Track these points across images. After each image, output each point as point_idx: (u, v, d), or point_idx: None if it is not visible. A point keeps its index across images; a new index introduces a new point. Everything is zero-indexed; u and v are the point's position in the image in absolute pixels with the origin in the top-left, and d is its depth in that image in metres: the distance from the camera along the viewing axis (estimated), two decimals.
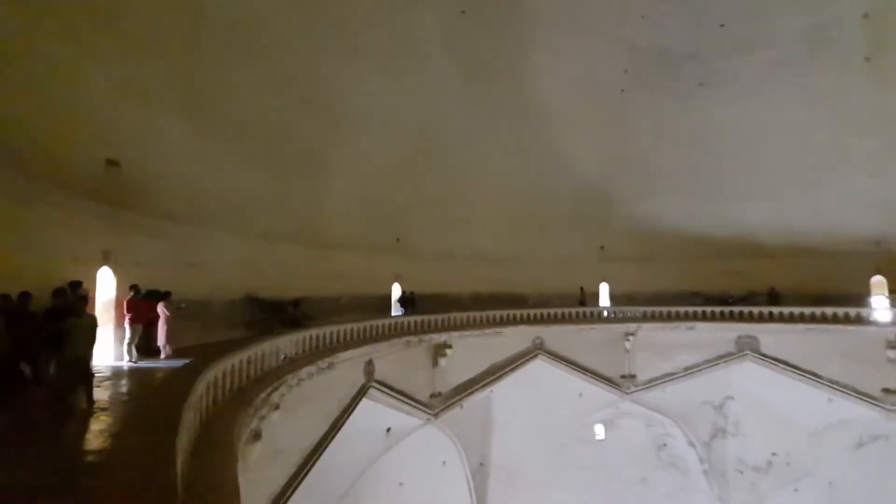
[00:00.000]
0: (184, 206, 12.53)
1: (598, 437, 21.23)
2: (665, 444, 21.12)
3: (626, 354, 19.80)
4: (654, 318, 20.28)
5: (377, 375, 14.13)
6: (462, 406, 17.81)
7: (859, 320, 18.54)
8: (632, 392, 19.71)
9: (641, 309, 20.69)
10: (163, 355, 9.72)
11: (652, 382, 19.76)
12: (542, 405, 19.78)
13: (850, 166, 20.41)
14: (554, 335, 19.54)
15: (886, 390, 17.75)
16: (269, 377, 9.11)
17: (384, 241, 20.49)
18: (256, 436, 7.56)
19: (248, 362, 8.68)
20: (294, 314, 14.53)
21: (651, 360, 19.81)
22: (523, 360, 19.02)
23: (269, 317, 14.06)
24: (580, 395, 19.87)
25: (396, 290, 20.89)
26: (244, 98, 14.45)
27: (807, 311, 19.18)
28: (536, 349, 19.25)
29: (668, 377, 19.74)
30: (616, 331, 19.88)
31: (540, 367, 19.11)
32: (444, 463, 18.27)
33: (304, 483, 10.67)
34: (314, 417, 11.47)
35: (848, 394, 18.16)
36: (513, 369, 18.81)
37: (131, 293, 9.38)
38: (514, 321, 19.61)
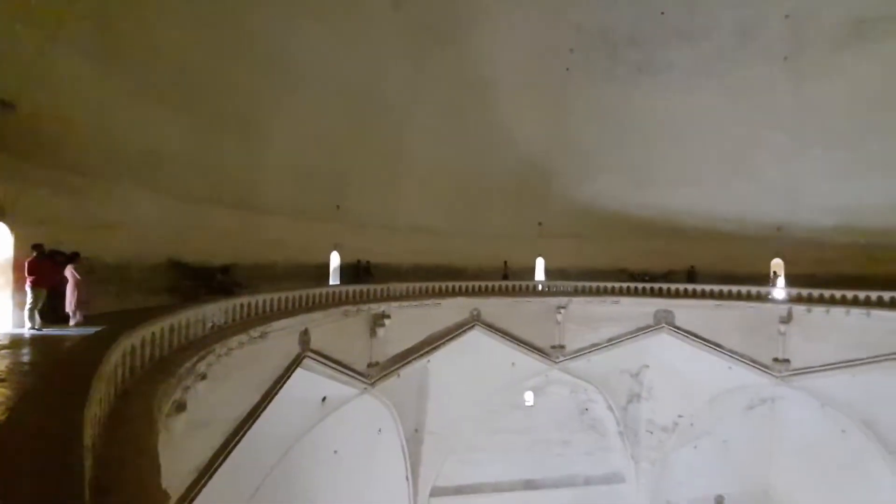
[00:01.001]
0: (95, 159, 11.33)
1: (527, 404, 22.39)
2: (587, 409, 22.71)
3: (557, 326, 20.83)
4: (584, 292, 21.40)
5: (313, 345, 13.87)
6: (399, 375, 18.02)
7: (759, 298, 20.62)
8: (560, 361, 20.86)
9: (573, 284, 21.74)
10: (72, 322, 8.87)
11: (579, 352, 20.99)
12: (476, 374, 20.46)
13: (762, 157, 22.23)
14: (490, 307, 20.10)
15: (776, 360, 20.08)
16: (195, 346, 8.64)
17: (323, 208, 19.81)
18: (181, 407, 7.21)
19: (172, 331, 8.17)
20: (224, 281, 13.82)
21: (579, 332, 20.99)
22: (460, 330, 19.46)
23: (195, 283, 13.26)
24: (513, 364, 20.75)
25: (335, 259, 20.42)
26: (167, 43, 13.07)
27: (716, 288, 21.04)
28: (473, 320, 19.73)
29: (594, 348, 21.06)
30: (549, 304, 20.79)
31: (476, 338, 19.66)
32: (379, 430, 18.51)
33: (233, 454, 10.40)
34: (244, 387, 11.11)
35: (745, 363, 20.35)
36: (450, 339, 19.20)
37: (34, 254, 8.42)
38: (452, 293, 19.91)
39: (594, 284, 21.60)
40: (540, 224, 24.64)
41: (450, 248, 23.23)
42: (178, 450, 7.99)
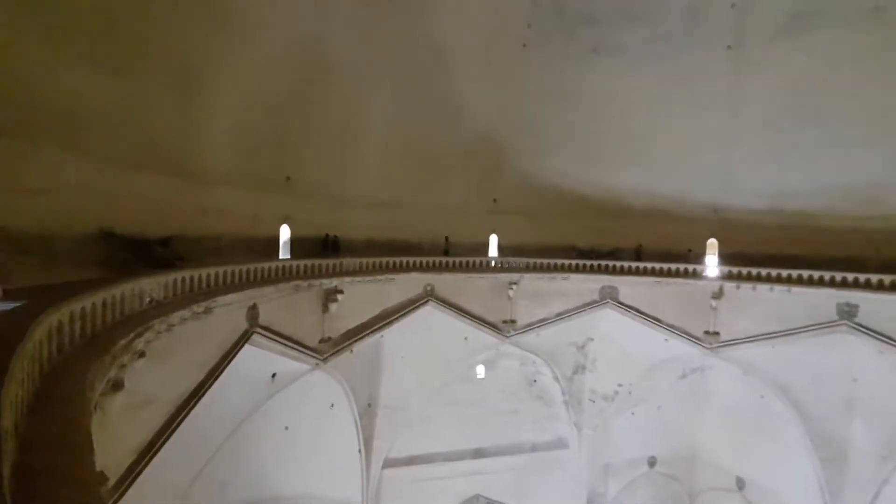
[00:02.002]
0: (6, 117, 10.19)
1: (478, 377, 22.97)
2: (535, 381, 23.62)
3: (509, 302, 21.31)
4: (535, 269, 21.95)
5: (262, 321, 13.46)
6: (352, 351, 17.90)
7: (695, 275, 21.97)
8: (511, 336, 21.44)
9: (525, 260, 22.22)
10: None
11: (529, 327, 21.64)
12: (429, 348, 20.67)
13: (701, 141, 23.31)
14: (444, 283, 20.22)
15: (707, 332, 21.60)
16: (131, 322, 8.13)
17: (271, 179, 19.01)
18: (117, 386, 6.81)
19: (105, 306, 7.63)
20: (164, 254, 13.05)
21: (529, 307, 21.59)
22: (414, 306, 19.49)
23: (131, 256, 12.43)
24: (465, 338, 21.11)
25: (285, 233, 19.74)
26: None
27: (657, 265, 22.19)
28: (427, 296, 19.80)
29: (543, 322, 21.76)
30: (501, 280, 21.19)
31: (429, 313, 19.78)
32: (332, 405, 18.42)
33: (177, 432, 10.04)
34: (188, 365, 10.66)
35: (680, 335, 21.76)
36: (403, 315, 19.21)
37: None
38: (406, 268, 19.83)
39: (545, 261, 22.18)
40: (495, 201, 24.84)
41: (404, 223, 23.02)
42: (116, 430, 7.60)
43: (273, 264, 15.29)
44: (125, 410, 7.28)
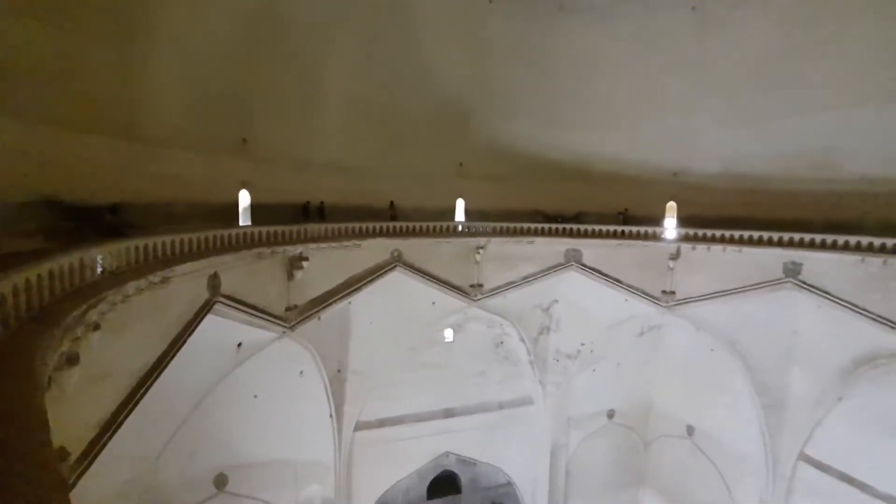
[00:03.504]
0: None
1: (447, 340, 23.36)
2: (502, 342, 24.26)
3: (476, 266, 21.51)
4: (502, 233, 22.13)
5: (224, 290, 13.07)
6: (320, 318, 17.75)
7: (654, 237, 22.75)
8: (479, 299, 21.76)
9: (491, 225, 22.32)
10: None
11: (496, 290, 22.00)
12: (398, 313, 20.76)
13: (664, 105, 23.59)
14: (411, 248, 20.13)
15: (664, 292, 22.61)
16: (82, 294, 7.70)
17: (227, 142, 18.07)
18: (72, 360, 6.48)
19: (52, 277, 7.16)
20: (113, 222, 12.31)
21: (496, 271, 21.89)
22: (381, 271, 19.38)
23: (78, 224, 11.67)
24: (433, 303, 21.29)
25: (244, 198, 18.98)
26: None
27: (619, 228, 22.81)
28: (394, 261, 19.71)
29: (510, 285, 22.16)
30: (468, 244, 21.28)
31: (397, 278, 19.75)
32: (301, 373, 18.38)
33: (141, 405, 9.79)
34: (147, 336, 10.29)
35: (639, 295, 22.70)
36: (371, 281, 19.11)
37: None
38: (372, 234, 19.57)
39: (511, 225, 22.37)
40: (461, 165, 24.60)
41: (369, 189, 22.55)
42: (76, 405, 7.32)
43: (233, 231, 14.74)
44: (83, 385, 6.97)
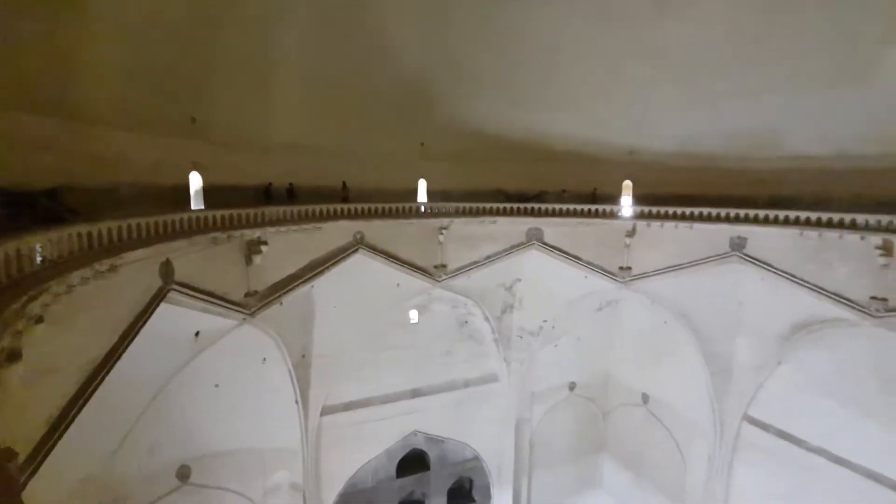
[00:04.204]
0: None
1: (411, 321, 23.42)
2: (466, 321, 24.57)
3: (440, 246, 21.54)
4: (464, 213, 22.17)
5: (178, 277, 12.51)
6: (282, 303, 17.34)
7: (611, 215, 23.45)
8: (443, 280, 21.86)
9: (454, 205, 22.31)
10: None
11: (460, 270, 22.15)
12: (362, 296, 20.57)
13: (622, 85, 24.01)
14: (374, 230, 19.88)
15: (621, 268, 23.46)
16: (22, 286, 7.18)
17: (175, 121, 17.08)
18: (14, 356, 6.07)
19: None
20: (51, 207, 11.46)
21: (460, 251, 22.00)
22: (344, 254, 19.07)
23: (10, 211, 10.79)
24: (398, 284, 21.21)
25: (196, 181, 18.08)
26: None
27: (578, 207, 23.35)
28: (357, 244, 19.42)
29: (473, 265, 22.36)
30: (431, 225, 21.23)
31: (360, 261, 19.51)
32: (264, 360, 17.98)
33: (93, 400, 9.34)
34: (96, 328, 9.76)
35: (597, 272, 23.45)
36: (334, 264, 18.78)
37: None
38: (334, 216, 19.17)
39: (474, 205, 22.44)
40: (422, 145, 24.31)
41: (329, 169, 21.98)
42: (21, 403, 6.90)
43: (186, 215, 14.04)
44: (29, 381, 6.56)
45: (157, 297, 11.79)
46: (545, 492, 28.32)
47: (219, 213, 15.22)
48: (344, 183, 22.08)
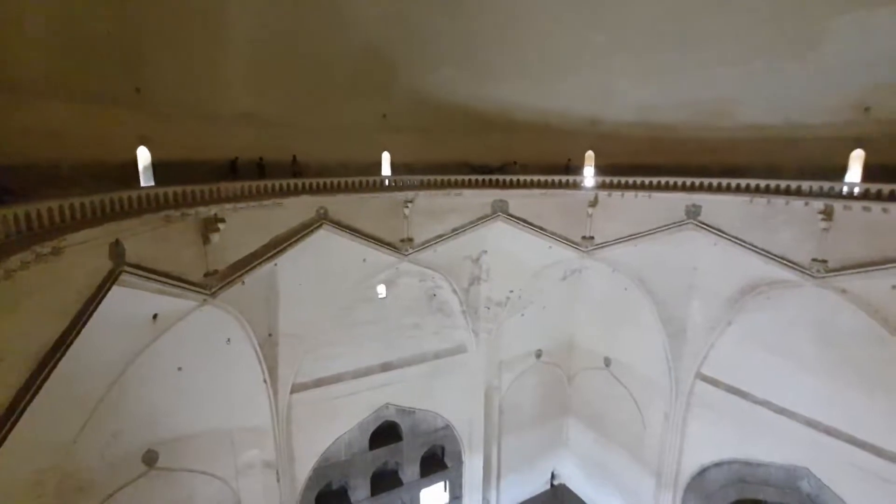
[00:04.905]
0: None
1: (379, 296, 23.36)
2: (435, 294, 24.72)
3: (405, 220, 21.36)
4: (429, 185, 21.95)
5: (130, 258, 11.96)
6: (244, 282, 16.90)
7: (574, 186, 23.78)
8: (410, 254, 21.78)
9: (419, 177, 22.06)
10: None
11: (426, 244, 22.10)
12: (328, 272, 20.30)
13: (584, 57, 24.01)
14: (338, 205, 19.46)
15: (584, 237, 24.01)
16: None
17: (117, 92, 15.97)
18: None
19: None
20: None
21: (426, 224, 21.90)
22: (307, 230, 18.64)
23: None
24: (364, 260, 21.01)
25: (143, 156, 17.09)
26: None
27: (542, 178, 23.54)
28: (320, 219, 19.00)
29: (440, 238, 22.34)
30: (396, 199, 20.96)
31: (324, 237, 19.15)
32: (228, 340, 17.61)
33: (45, 387, 8.95)
34: (42, 314, 9.27)
35: (562, 242, 23.92)
36: (297, 241, 18.35)
37: None
38: (295, 191, 18.61)
39: (439, 178, 22.24)
40: (384, 117, 23.76)
41: (287, 143, 21.22)
42: None
43: (134, 193, 13.31)
44: None
45: (109, 280, 11.27)
46: (515, 454, 29.50)
47: (171, 190, 14.51)
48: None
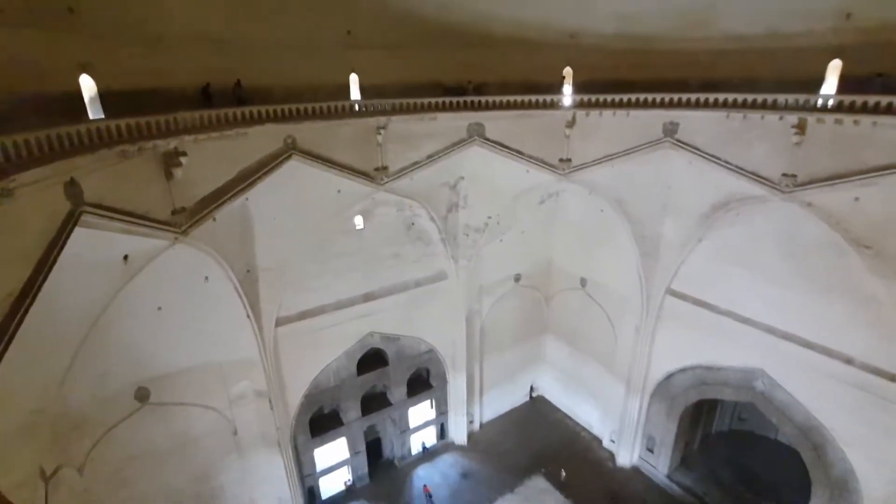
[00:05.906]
0: None
1: (357, 227, 23.09)
2: (413, 223, 24.57)
3: (379, 148, 20.60)
4: (402, 110, 20.92)
5: (89, 198, 11.35)
6: (215, 218, 16.37)
7: (552, 105, 23.05)
8: (385, 183, 21.27)
9: (391, 101, 20.92)
10: None
11: (402, 172, 21.55)
12: (302, 205, 19.77)
13: None
14: (306, 133, 18.51)
15: (561, 160, 23.77)
16: None
17: (45, 12, 14.22)
18: None
19: None
20: None
21: (400, 151, 21.22)
22: (276, 162, 17.84)
23: None
24: (339, 191, 20.46)
25: (88, 86, 15.62)
26: None
27: (519, 98, 22.66)
28: (289, 149, 18.14)
29: (415, 165, 21.77)
30: (368, 125, 20.02)
31: (295, 168, 18.40)
32: (206, 278, 17.39)
33: (19, 335, 8.78)
34: (3, 261, 8.84)
35: (539, 165, 23.67)
36: (266, 173, 17.61)
37: None
38: (259, 119, 17.50)
39: (412, 101, 21.14)
40: (349, 33, 21.95)
41: (247, 66, 19.54)
42: None
43: (83, 127, 12.32)
44: None
45: (69, 222, 10.73)
46: (496, 371, 31.25)
47: (123, 123, 13.46)
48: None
